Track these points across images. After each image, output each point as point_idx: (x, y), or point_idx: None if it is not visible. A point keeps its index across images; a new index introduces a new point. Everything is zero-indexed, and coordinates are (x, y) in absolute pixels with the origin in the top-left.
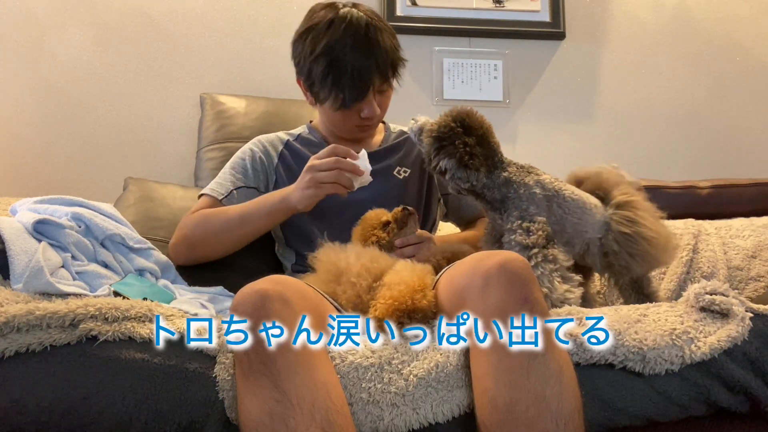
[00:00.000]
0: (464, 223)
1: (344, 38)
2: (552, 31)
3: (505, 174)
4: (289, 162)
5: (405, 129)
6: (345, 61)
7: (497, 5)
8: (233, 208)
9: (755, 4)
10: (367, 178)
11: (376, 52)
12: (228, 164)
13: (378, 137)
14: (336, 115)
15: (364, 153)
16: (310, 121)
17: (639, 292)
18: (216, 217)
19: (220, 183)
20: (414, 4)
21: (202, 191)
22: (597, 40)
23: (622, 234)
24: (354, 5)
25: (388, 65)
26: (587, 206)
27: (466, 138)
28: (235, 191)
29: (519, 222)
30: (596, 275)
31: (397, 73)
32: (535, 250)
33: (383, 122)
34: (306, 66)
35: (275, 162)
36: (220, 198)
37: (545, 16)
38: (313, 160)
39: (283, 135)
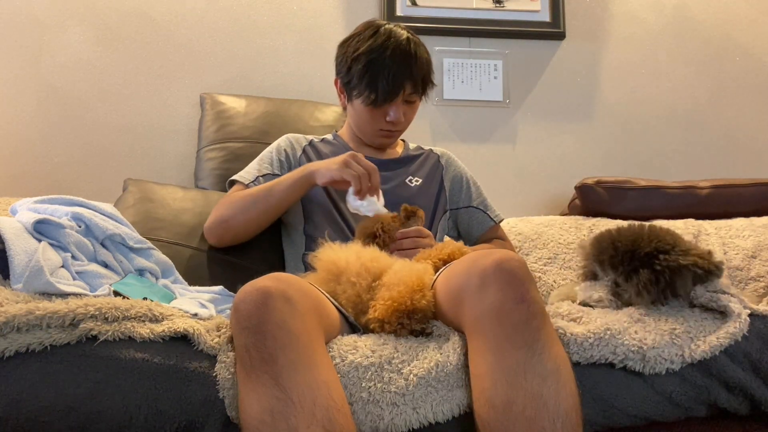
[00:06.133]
0: (472, 241)
1: (386, 43)
2: (552, 31)
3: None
4: (311, 157)
5: (423, 145)
6: (383, 63)
7: (497, 5)
8: (260, 186)
9: (755, 4)
10: (364, 210)
11: (412, 62)
12: (257, 157)
13: (398, 149)
14: (365, 114)
15: (382, 198)
16: (336, 131)
17: None
18: (245, 195)
19: (248, 171)
20: (414, 4)
21: (232, 178)
22: (597, 40)
23: None
24: (396, 24)
25: (421, 76)
26: None
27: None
28: (261, 177)
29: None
30: None
31: (428, 87)
32: None
33: (402, 141)
34: (347, 64)
35: (299, 154)
36: (246, 183)
37: (545, 16)
38: (357, 154)
39: (309, 137)
